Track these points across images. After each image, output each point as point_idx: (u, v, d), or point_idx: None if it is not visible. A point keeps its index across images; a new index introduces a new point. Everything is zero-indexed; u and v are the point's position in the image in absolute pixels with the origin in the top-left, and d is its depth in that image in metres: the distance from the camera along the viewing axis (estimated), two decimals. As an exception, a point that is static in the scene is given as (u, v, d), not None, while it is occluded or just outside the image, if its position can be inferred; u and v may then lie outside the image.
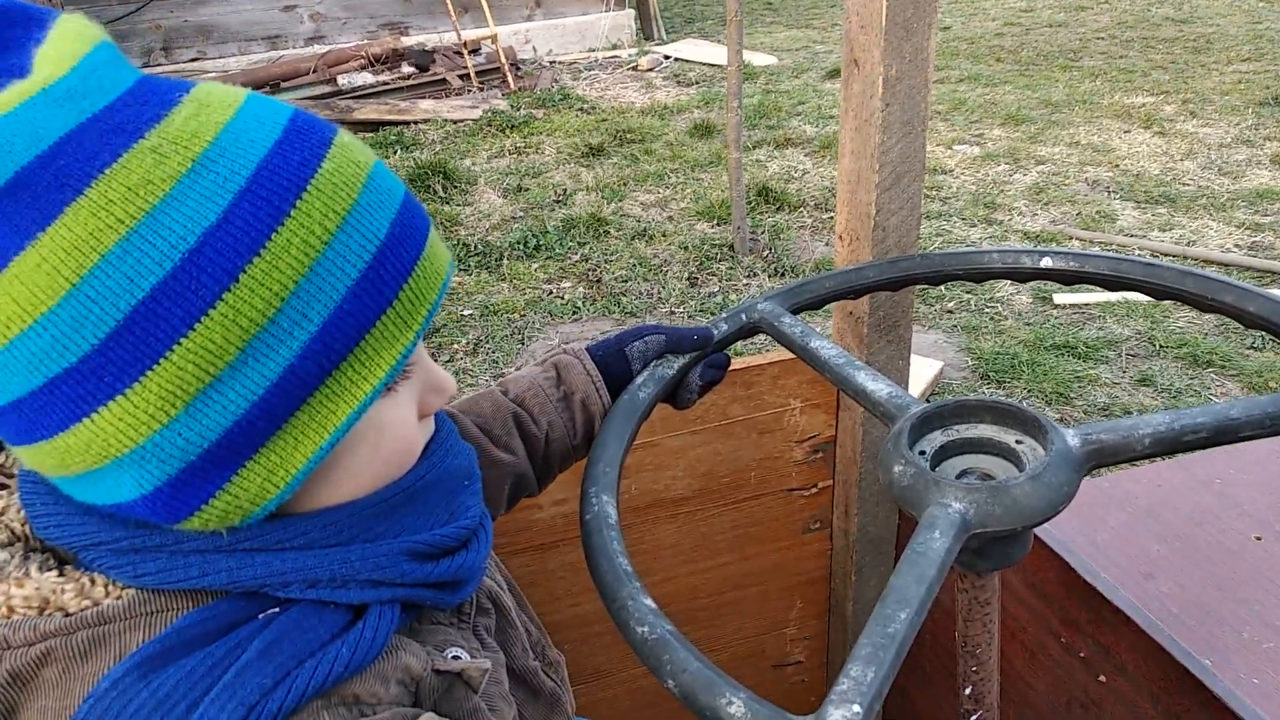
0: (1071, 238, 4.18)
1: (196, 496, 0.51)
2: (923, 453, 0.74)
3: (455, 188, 5.02)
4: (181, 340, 0.47)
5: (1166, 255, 3.91)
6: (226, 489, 0.51)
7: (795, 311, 1.02)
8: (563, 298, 3.87)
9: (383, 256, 0.52)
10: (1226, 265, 3.81)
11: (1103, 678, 1.04)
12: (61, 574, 0.54)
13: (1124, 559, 1.17)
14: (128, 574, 0.53)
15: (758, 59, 7.57)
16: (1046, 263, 0.98)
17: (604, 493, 0.78)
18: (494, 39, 6.99)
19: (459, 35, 6.92)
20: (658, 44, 8.34)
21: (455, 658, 0.62)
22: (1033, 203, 4.59)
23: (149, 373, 0.47)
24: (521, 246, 4.29)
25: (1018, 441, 0.74)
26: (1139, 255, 1.87)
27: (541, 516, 1.26)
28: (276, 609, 0.54)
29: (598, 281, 3.99)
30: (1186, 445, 0.70)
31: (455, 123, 6.13)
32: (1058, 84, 6.52)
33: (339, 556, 0.56)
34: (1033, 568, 1.12)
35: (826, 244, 4.26)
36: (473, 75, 6.85)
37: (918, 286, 1.09)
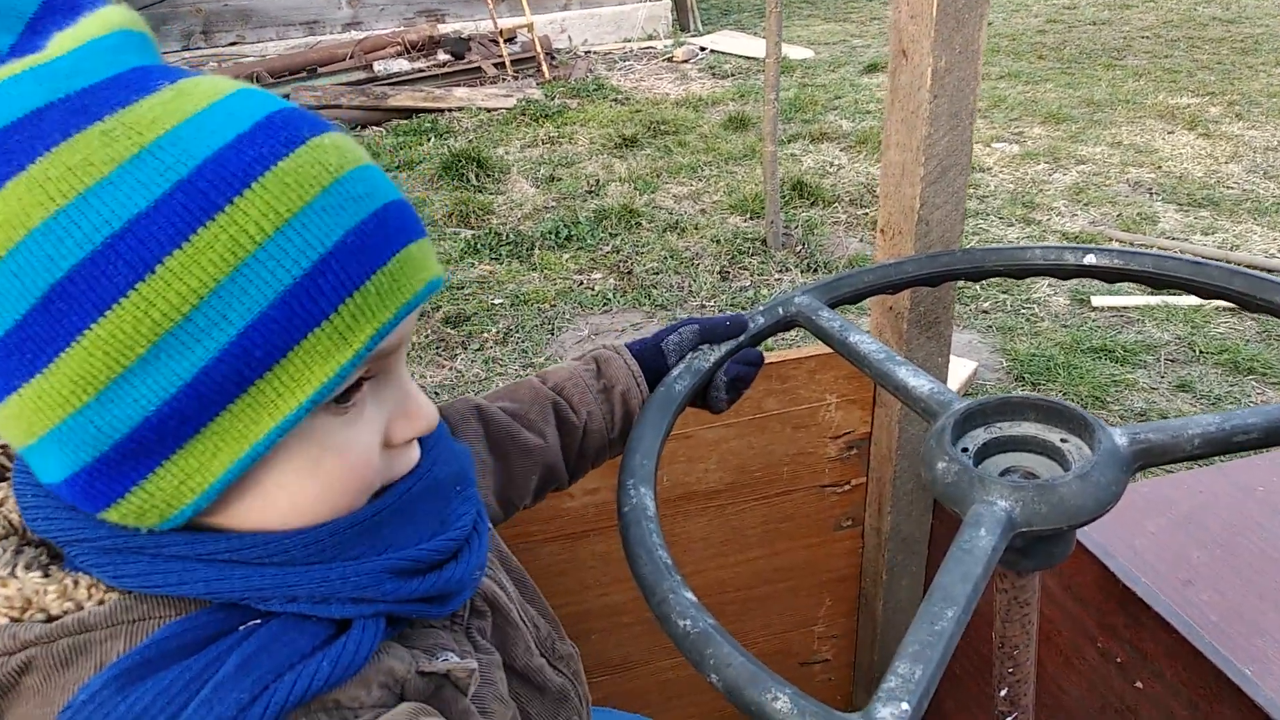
0: (1111, 239, 4.12)
1: (112, 489, 0.50)
2: (965, 450, 0.73)
3: (488, 176, 5.03)
4: (92, 326, 0.46)
5: (1209, 260, 3.85)
6: (142, 486, 0.50)
7: (833, 305, 1.01)
8: (593, 288, 3.87)
9: (325, 266, 0.50)
10: (1271, 270, 3.73)
11: (1139, 683, 1.02)
12: (47, 574, 0.54)
13: (1163, 565, 1.15)
14: (109, 574, 0.53)
15: (794, 52, 7.52)
16: (1090, 259, 0.96)
17: (642, 484, 0.78)
18: (530, 28, 6.99)
19: (495, 23, 6.93)
20: (693, 35, 8.31)
21: (444, 659, 0.61)
22: (1072, 203, 4.53)
23: (62, 355, 0.47)
24: (553, 236, 4.29)
25: (1063, 440, 0.73)
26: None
27: (573, 505, 1.26)
28: (258, 621, 0.53)
29: (629, 273, 3.98)
30: (1237, 446, 0.68)
31: (489, 111, 6.14)
32: (1100, 83, 6.42)
33: (319, 575, 0.54)
34: (1070, 571, 1.10)
35: (860, 240, 4.22)
36: (508, 64, 6.85)
37: (958, 283, 1.07)
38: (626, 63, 7.51)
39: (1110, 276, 0.95)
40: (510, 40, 7.08)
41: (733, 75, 7.05)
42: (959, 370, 3.07)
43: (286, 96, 5.81)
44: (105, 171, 0.47)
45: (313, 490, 0.54)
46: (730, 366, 0.98)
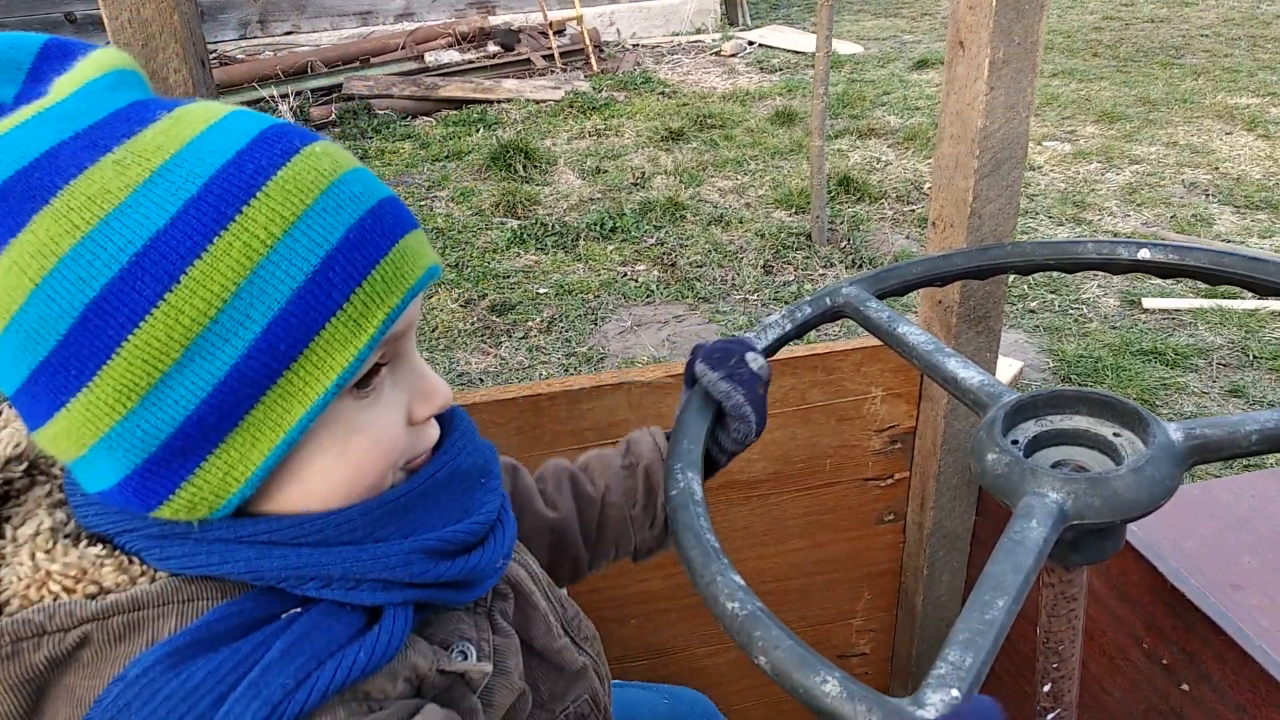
0: (1165, 240, 4.04)
1: (163, 486, 0.54)
2: (1015, 442, 0.73)
3: (535, 167, 5.06)
4: (129, 337, 0.50)
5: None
6: (191, 480, 0.54)
7: (881, 297, 1.00)
8: (637, 280, 3.88)
9: (332, 261, 0.54)
10: (1330, 276, 3.63)
11: (1185, 686, 1.01)
12: (106, 550, 0.57)
13: (1212, 568, 1.13)
14: (155, 556, 0.57)
15: (844, 47, 7.45)
16: (1144, 254, 0.94)
17: (689, 469, 0.78)
18: (579, 20, 7.01)
19: (545, 16, 6.96)
20: (742, 29, 8.27)
21: (462, 654, 0.65)
22: (1125, 203, 4.45)
23: (104, 367, 0.51)
24: (598, 228, 4.30)
25: (1115, 434, 0.72)
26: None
27: (616, 490, 1.27)
28: (298, 609, 0.57)
29: (672, 265, 3.99)
30: None
31: (538, 103, 6.17)
32: (1157, 81, 6.29)
33: (351, 555, 0.58)
34: (1117, 570, 1.09)
35: (907, 236, 4.19)
36: (557, 56, 6.88)
37: (1008, 278, 1.06)
38: (674, 56, 7.49)
39: (1165, 272, 0.93)
40: (559, 33, 7.10)
41: (780, 70, 7.01)
42: (1005, 369, 3.04)
43: (339, 86, 5.83)
44: (122, 197, 0.51)
45: (344, 470, 0.59)
46: (725, 436, 0.89)
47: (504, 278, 3.91)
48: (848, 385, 1.28)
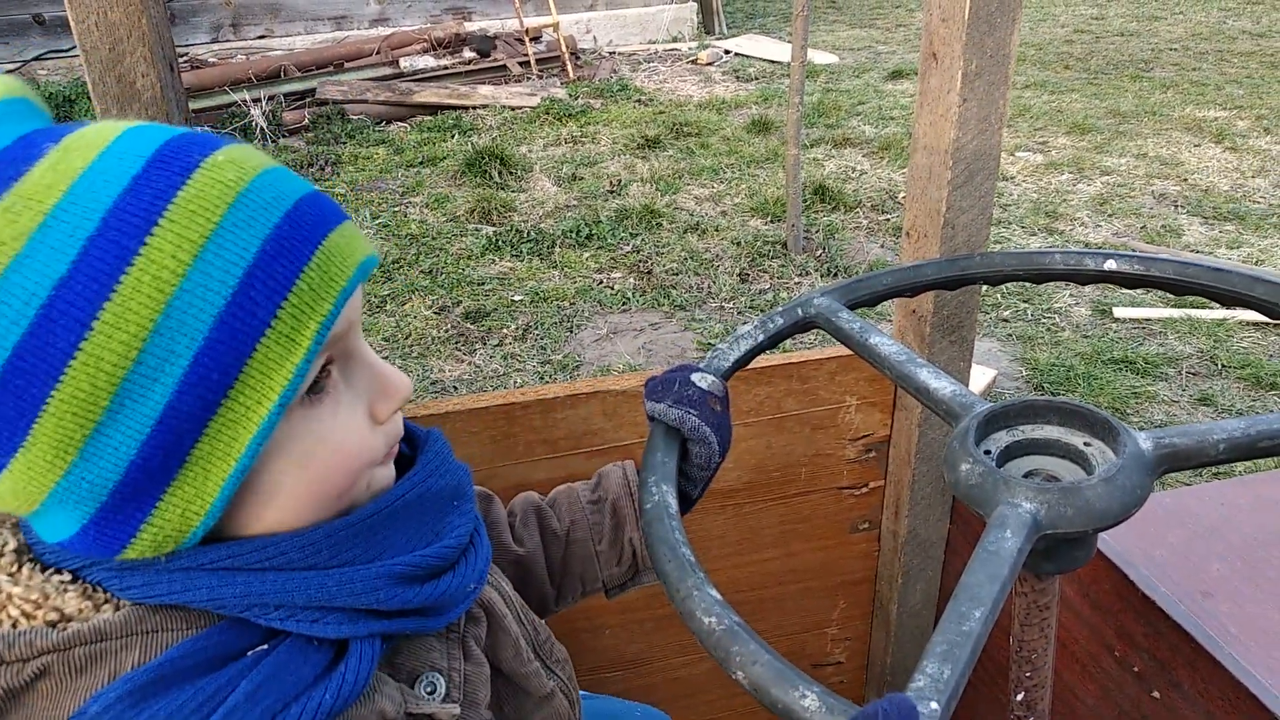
0: (1135, 251, 4.09)
1: (123, 531, 0.52)
2: (988, 453, 0.73)
3: (511, 174, 5.05)
4: (53, 393, 0.48)
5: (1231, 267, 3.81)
6: (150, 522, 0.52)
7: (852, 307, 1.01)
8: (613, 287, 3.88)
9: (252, 279, 0.51)
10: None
11: (1156, 693, 1.02)
12: (69, 576, 0.56)
13: (1182, 576, 1.14)
14: (116, 585, 0.55)
15: (819, 57, 7.50)
16: (1111, 265, 0.95)
17: (664, 482, 0.78)
18: (555, 27, 7.01)
19: (521, 22, 6.95)
20: (718, 38, 8.31)
21: (431, 685, 0.63)
22: (1096, 214, 4.50)
23: (34, 426, 0.49)
24: (574, 235, 4.30)
25: (1086, 444, 0.72)
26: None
27: (590, 499, 1.26)
28: (264, 646, 0.55)
29: (648, 273, 3.99)
30: (1262, 452, 0.68)
31: (514, 109, 6.16)
32: (1127, 94, 6.38)
33: (315, 580, 0.56)
34: (1089, 580, 1.10)
35: (881, 245, 4.21)
36: (533, 63, 6.88)
37: (981, 288, 1.07)
38: (650, 64, 7.51)
39: (1131, 282, 0.94)
40: (536, 39, 7.10)
41: (756, 79, 7.05)
42: (978, 378, 3.06)
43: (313, 90, 5.77)
44: (17, 248, 0.48)
45: (312, 482, 0.57)
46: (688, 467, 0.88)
47: (479, 285, 3.90)
48: (822, 394, 1.28)
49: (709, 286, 3.87)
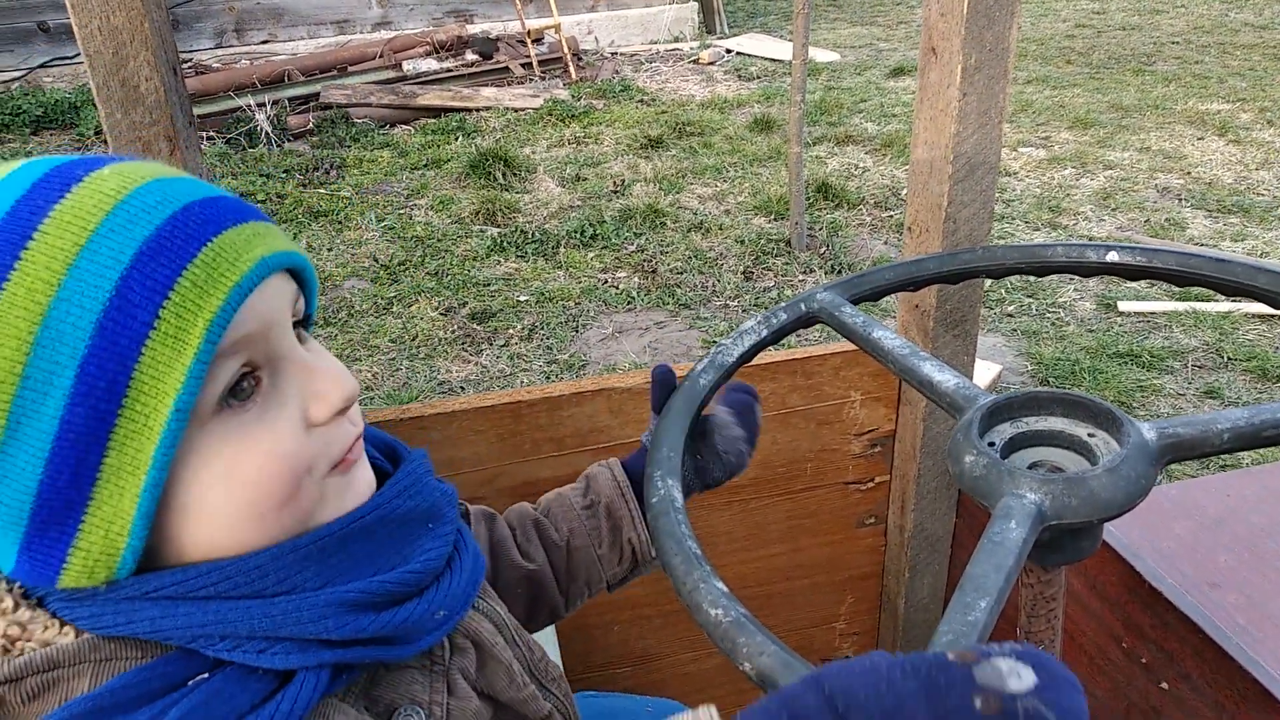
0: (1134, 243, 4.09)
1: (53, 557, 0.52)
2: (991, 444, 0.73)
3: (515, 175, 5.06)
4: None
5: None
6: (76, 546, 0.52)
7: (855, 302, 1.01)
8: (617, 287, 3.88)
9: (128, 281, 0.50)
10: (1301, 278, 3.69)
11: (1165, 685, 1.02)
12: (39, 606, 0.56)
13: (1189, 567, 1.14)
14: (68, 615, 0.54)
15: (821, 55, 7.50)
16: (1113, 257, 0.95)
17: (669, 476, 0.78)
18: (557, 29, 7.02)
19: (523, 24, 6.96)
20: (720, 38, 8.30)
21: (409, 719, 0.60)
22: (1099, 208, 4.49)
23: None
24: (578, 235, 4.30)
25: (1090, 435, 0.73)
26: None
27: (597, 497, 1.26)
28: (205, 675, 0.53)
29: (653, 272, 3.99)
30: (1267, 441, 0.68)
31: (516, 111, 6.17)
32: (1129, 88, 6.37)
33: (259, 610, 0.54)
34: (1096, 571, 1.10)
35: (885, 242, 4.21)
36: (535, 64, 6.88)
37: (984, 281, 1.07)
38: (652, 64, 7.52)
39: (1133, 274, 0.94)
40: (538, 41, 7.11)
41: (758, 78, 7.05)
42: (983, 373, 3.06)
43: (317, 94, 5.79)
44: None
45: (243, 491, 0.54)
46: (730, 396, 0.96)
47: (484, 286, 3.91)
48: (827, 390, 1.28)
49: (713, 285, 3.87)
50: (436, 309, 3.72)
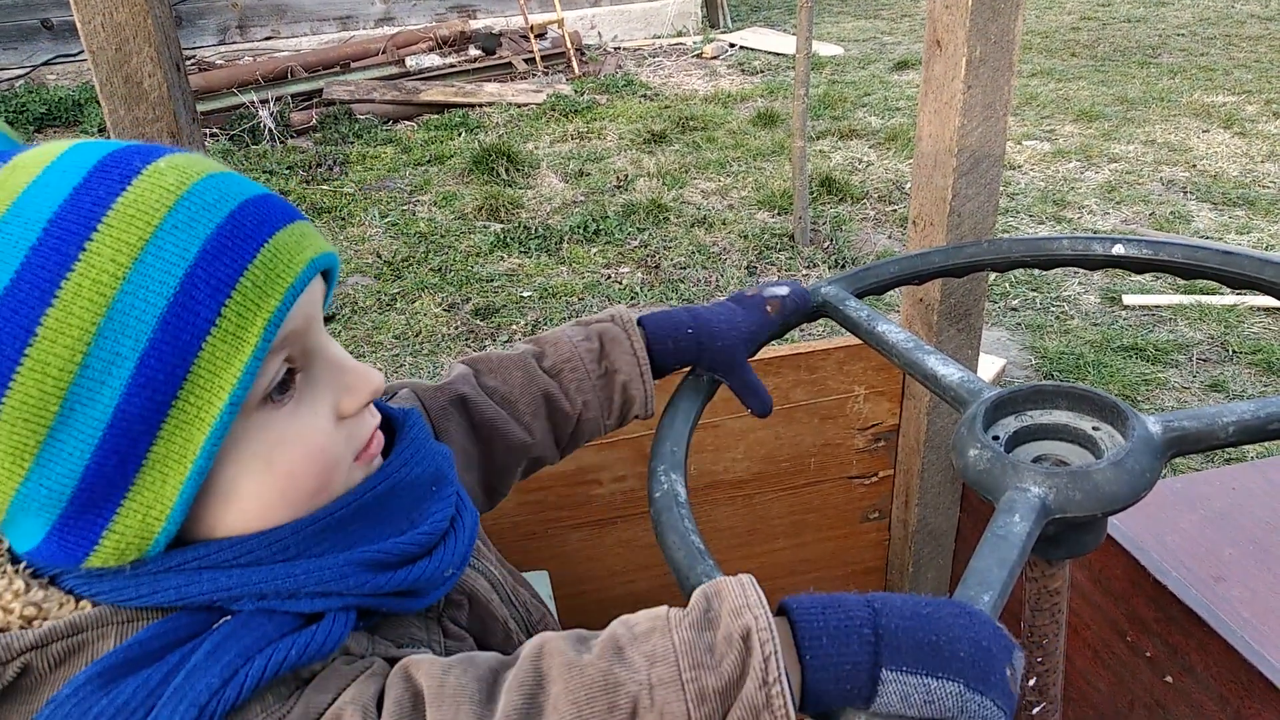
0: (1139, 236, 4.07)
1: (85, 539, 0.53)
2: (996, 438, 0.73)
3: (518, 171, 5.05)
4: (3, 400, 0.49)
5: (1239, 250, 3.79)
6: (112, 528, 0.53)
7: (860, 296, 1.01)
8: (621, 282, 3.88)
9: (193, 279, 0.52)
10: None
11: (1169, 678, 1.02)
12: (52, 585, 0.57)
13: (1194, 561, 1.14)
14: (86, 592, 0.55)
15: (824, 49, 7.48)
16: (1119, 249, 0.95)
17: (673, 471, 0.78)
18: (560, 24, 7.01)
19: (526, 19, 6.95)
20: (723, 32, 8.29)
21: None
22: (1104, 201, 4.48)
23: None
24: (581, 230, 4.30)
25: (1094, 428, 0.72)
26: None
27: (600, 493, 1.26)
28: (229, 617, 0.55)
29: (656, 267, 3.99)
30: (1272, 434, 0.68)
31: (519, 106, 6.16)
32: (1134, 81, 6.35)
33: (283, 571, 0.56)
34: (1100, 565, 1.09)
35: (889, 236, 4.20)
36: (538, 60, 6.87)
37: (989, 275, 1.07)
38: (656, 59, 7.50)
39: (1139, 267, 0.94)
40: (541, 36, 7.10)
41: (762, 72, 7.03)
42: (987, 367, 3.05)
43: (320, 91, 5.77)
44: None
45: (277, 483, 0.57)
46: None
47: (487, 281, 3.91)
48: (830, 384, 1.28)
49: (717, 280, 3.86)
50: (440, 305, 3.72)
